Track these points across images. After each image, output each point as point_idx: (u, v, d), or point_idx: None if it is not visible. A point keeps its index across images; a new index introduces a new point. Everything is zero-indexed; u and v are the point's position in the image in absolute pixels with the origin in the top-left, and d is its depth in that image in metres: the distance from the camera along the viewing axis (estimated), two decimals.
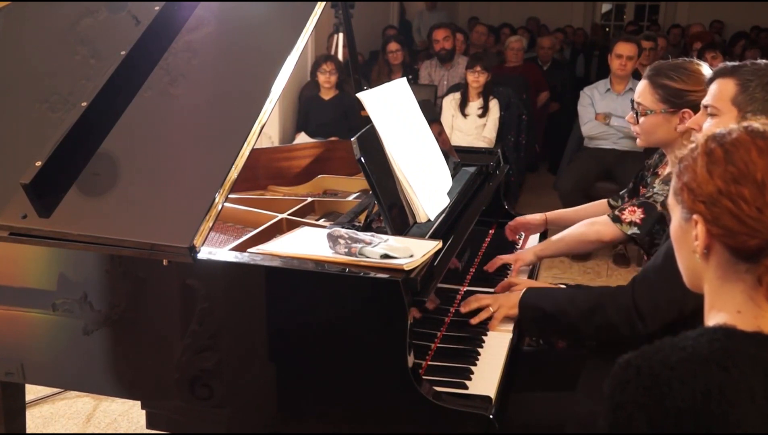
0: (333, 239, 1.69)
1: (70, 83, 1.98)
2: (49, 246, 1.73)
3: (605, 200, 2.57)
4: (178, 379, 1.70)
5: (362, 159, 1.85)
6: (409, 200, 1.97)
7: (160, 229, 1.67)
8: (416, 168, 2.04)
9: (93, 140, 1.85)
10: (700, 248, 1.10)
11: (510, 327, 1.98)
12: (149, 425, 1.81)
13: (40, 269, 1.82)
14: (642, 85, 2.20)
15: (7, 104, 2.07)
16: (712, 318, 1.11)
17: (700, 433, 0.97)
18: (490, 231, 2.64)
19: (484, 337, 1.94)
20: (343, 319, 1.62)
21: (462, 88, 5.32)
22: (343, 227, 1.82)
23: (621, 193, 2.51)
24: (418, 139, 2.17)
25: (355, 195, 2.57)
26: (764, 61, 1.78)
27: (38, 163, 1.75)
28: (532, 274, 2.45)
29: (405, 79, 2.31)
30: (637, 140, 2.25)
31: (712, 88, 1.80)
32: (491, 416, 1.56)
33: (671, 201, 1.16)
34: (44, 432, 2.87)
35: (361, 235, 1.72)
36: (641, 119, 2.18)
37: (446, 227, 2.01)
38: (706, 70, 2.13)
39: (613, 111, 4.89)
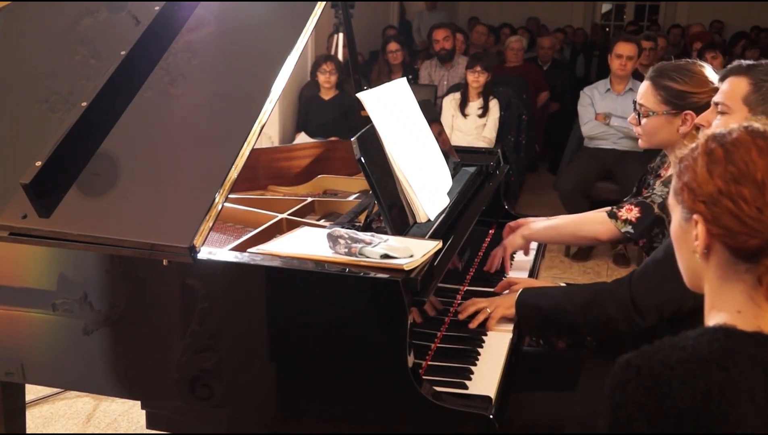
0: (333, 239, 1.69)
1: (70, 83, 1.98)
2: (49, 246, 1.73)
3: (609, 208, 2.55)
4: (178, 379, 1.70)
5: (362, 159, 1.85)
6: (409, 200, 1.97)
7: (160, 229, 1.67)
8: (416, 168, 2.04)
9: (93, 140, 1.85)
10: (700, 248, 1.10)
11: (510, 327, 1.98)
12: (149, 425, 1.81)
13: (40, 269, 1.82)
14: (644, 86, 2.19)
15: (7, 104, 2.07)
16: (712, 318, 1.11)
17: (700, 433, 0.97)
18: (490, 231, 2.64)
19: (484, 337, 1.94)
20: (343, 319, 1.62)
21: (462, 88, 5.32)
22: (343, 227, 1.82)
23: (624, 199, 2.48)
24: (418, 139, 2.17)
25: (355, 195, 2.57)
26: None
27: (38, 163, 1.75)
28: (532, 274, 2.45)
29: (405, 79, 2.31)
30: (639, 141, 2.24)
31: (724, 86, 1.79)
32: (491, 416, 1.56)
33: (671, 201, 1.16)
34: (44, 432, 2.87)
35: (361, 235, 1.72)
36: (643, 120, 2.17)
37: (446, 227, 2.01)
38: (709, 71, 2.12)
39: (613, 111, 4.89)
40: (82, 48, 2.07)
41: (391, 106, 2.09)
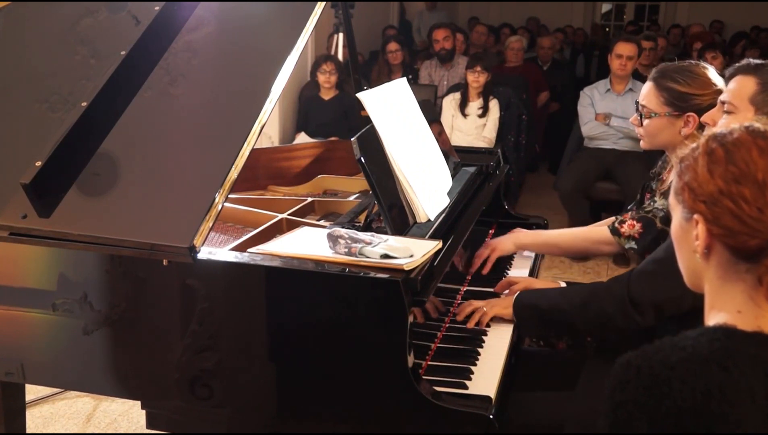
0: (333, 239, 1.69)
1: (70, 83, 1.98)
2: (49, 246, 1.73)
3: (614, 218, 2.54)
4: (178, 379, 1.70)
5: (362, 159, 1.85)
6: (409, 200, 1.97)
7: (160, 229, 1.67)
8: (416, 168, 2.04)
9: (93, 140, 1.85)
10: (700, 248, 1.10)
11: (510, 327, 1.98)
12: (149, 425, 1.81)
13: (40, 269, 1.82)
14: (647, 87, 2.18)
15: (7, 104, 2.07)
16: (713, 318, 1.11)
17: (700, 433, 0.97)
18: (490, 231, 2.64)
19: (484, 337, 1.94)
20: (343, 319, 1.61)
21: (462, 88, 5.32)
22: (343, 227, 1.82)
23: (629, 207, 2.47)
24: (418, 139, 2.17)
25: (355, 195, 2.57)
26: None
27: (38, 163, 1.75)
28: (532, 273, 2.44)
29: (405, 79, 2.31)
30: (641, 142, 2.23)
31: (731, 85, 1.78)
32: (491, 416, 1.56)
33: (672, 200, 1.16)
34: (44, 432, 2.87)
35: (361, 235, 1.72)
36: (645, 121, 2.16)
37: (446, 227, 2.01)
38: (712, 73, 2.12)
39: (613, 111, 4.89)
40: (82, 48, 2.07)
41: (391, 106, 2.09)
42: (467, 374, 1.76)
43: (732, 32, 9.32)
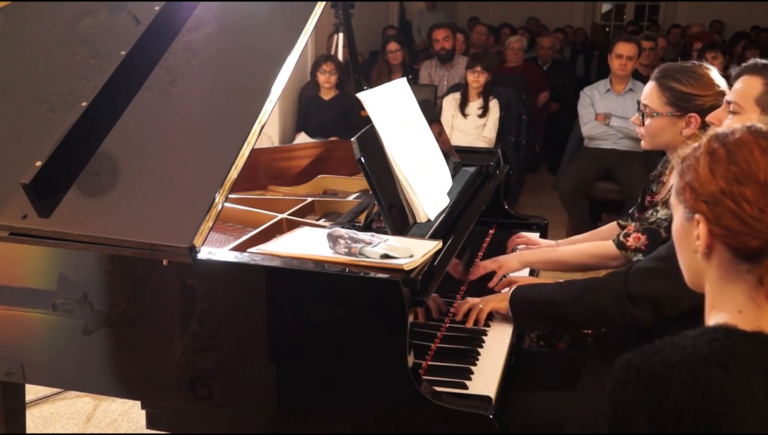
0: (333, 239, 1.69)
1: (70, 83, 1.98)
2: (49, 246, 1.73)
3: (614, 223, 2.53)
4: (178, 379, 1.70)
5: (362, 159, 1.85)
6: (409, 200, 1.97)
7: (160, 229, 1.67)
8: (416, 168, 2.04)
9: (93, 140, 1.85)
10: (701, 248, 1.09)
11: (510, 327, 1.98)
12: (149, 425, 1.81)
13: (40, 269, 1.82)
14: (649, 86, 2.17)
15: (7, 104, 2.07)
16: (713, 318, 1.11)
17: (700, 433, 0.97)
18: (490, 231, 2.64)
19: (484, 337, 1.94)
20: (343, 319, 1.61)
21: (462, 88, 5.32)
22: (343, 227, 1.82)
23: (630, 211, 2.46)
24: (418, 139, 2.16)
25: (355, 195, 2.57)
26: None
27: (38, 163, 1.75)
28: (533, 273, 2.44)
29: (405, 79, 2.31)
30: (642, 142, 2.22)
31: (738, 85, 1.77)
32: (491, 416, 1.56)
33: (674, 200, 1.16)
34: (44, 432, 2.87)
35: (361, 235, 1.71)
36: (647, 121, 2.15)
37: (446, 227, 2.01)
38: (714, 74, 2.11)
39: (613, 111, 4.89)
40: (82, 48, 2.07)
41: (391, 106, 2.09)
42: (467, 374, 1.76)
43: (732, 32, 9.31)
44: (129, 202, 1.77)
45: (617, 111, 4.87)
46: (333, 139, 4.31)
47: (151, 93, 1.94)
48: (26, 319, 1.85)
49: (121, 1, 2.13)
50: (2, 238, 1.76)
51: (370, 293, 1.60)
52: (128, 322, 1.75)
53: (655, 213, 2.12)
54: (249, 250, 1.76)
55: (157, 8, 2.07)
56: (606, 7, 12.61)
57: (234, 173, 1.72)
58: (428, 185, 2.07)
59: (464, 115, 5.25)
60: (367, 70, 6.50)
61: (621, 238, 2.15)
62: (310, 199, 2.44)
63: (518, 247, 2.53)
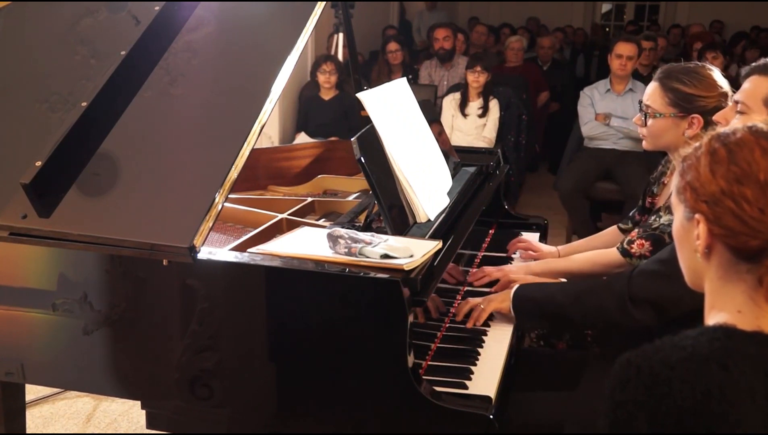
0: (333, 239, 1.69)
1: (70, 83, 1.98)
2: (49, 246, 1.73)
3: (615, 227, 2.52)
4: (178, 379, 1.70)
5: (362, 159, 1.85)
6: (409, 200, 1.97)
7: (160, 229, 1.67)
8: (416, 168, 2.04)
9: (93, 140, 1.85)
10: (701, 248, 1.09)
11: (510, 327, 1.98)
12: (149, 425, 1.81)
13: (40, 269, 1.82)
14: (652, 87, 2.16)
15: (7, 104, 2.07)
16: (713, 317, 1.11)
17: (700, 433, 0.97)
18: (490, 231, 2.64)
19: (484, 337, 1.94)
20: (343, 319, 1.61)
21: (462, 88, 5.32)
22: (343, 227, 1.82)
23: (630, 214, 2.45)
24: (418, 139, 2.16)
25: (355, 195, 2.57)
26: None
27: (38, 163, 1.75)
28: None
29: (405, 79, 2.31)
30: (643, 143, 2.21)
31: (746, 85, 1.76)
32: (491, 416, 1.56)
33: (674, 199, 1.16)
34: (44, 432, 2.87)
35: (361, 235, 1.71)
36: (649, 121, 2.14)
37: (446, 227, 2.01)
38: (717, 75, 2.11)
39: (613, 111, 4.88)
40: (82, 48, 2.07)
41: (391, 106, 2.09)
42: (467, 374, 1.76)
43: (732, 32, 9.31)
44: (129, 202, 1.77)
45: (617, 111, 4.87)
46: (333, 139, 4.31)
47: (151, 93, 1.94)
48: (26, 319, 1.85)
49: (121, 1, 2.13)
50: (2, 238, 1.76)
51: (370, 293, 1.60)
52: (128, 322, 1.75)
53: (658, 218, 2.11)
54: (249, 250, 1.76)
55: (157, 8, 2.07)
56: (606, 7, 12.61)
57: (234, 173, 1.72)
58: (428, 185, 2.07)
59: (464, 115, 5.25)
60: (367, 70, 6.50)
61: (625, 246, 2.14)
62: (310, 199, 2.44)
63: (519, 251, 2.52)
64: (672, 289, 1.64)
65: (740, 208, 1.04)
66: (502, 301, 1.98)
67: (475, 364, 1.81)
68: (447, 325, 1.99)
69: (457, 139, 5.12)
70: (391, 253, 1.64)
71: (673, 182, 1.17)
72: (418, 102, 2.28)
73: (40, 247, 1.75)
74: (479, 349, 1.88)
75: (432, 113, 2.45)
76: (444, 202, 2.12)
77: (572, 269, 2.27)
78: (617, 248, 2.17)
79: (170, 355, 1.70)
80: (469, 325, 1.97)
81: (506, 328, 1.98)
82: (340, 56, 5.13)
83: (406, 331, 1.56)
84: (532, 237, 2.68)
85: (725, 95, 2.08)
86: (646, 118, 2.15)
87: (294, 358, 1.66)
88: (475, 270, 2.30)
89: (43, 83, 2.04)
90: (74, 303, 1.76)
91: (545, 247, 2.49)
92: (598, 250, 2.31)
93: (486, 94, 5.22)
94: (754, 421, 0.97)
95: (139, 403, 1.82)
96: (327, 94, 5.24)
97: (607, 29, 12.21)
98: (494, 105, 5.24)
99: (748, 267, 1.07)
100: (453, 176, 2.30)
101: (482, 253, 2.48)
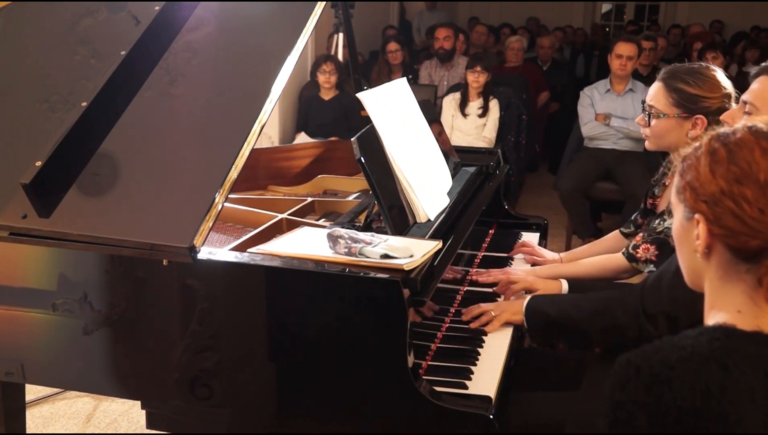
0: (333, 239, 1.69)
1: (70, 83, 1.98)
2: (49, 246, 1.73)
3: (617, 232, 2.52)
4: (178, 379, 1.70)
5: (362, 159, 1.85)
6: (409, 200, 1.97)
7: (160, 229, 1.67)
8: (416, 168, 2.04)
9: (93, 140, 1.85)
10: (701, 248, 1.09)
11: (510, 327, 1.98)
12: (149, 425, 1.81)
13: (40, 269, 1.82)
14: (655, 87, 2.16)
15: (7, 104, 2.07)
16: (712, 317, 1.11)
17: (699, 432, 0.97)
18: (490, 231, 2.64)
19: (484, 337, 1.93)
20: (343, 319, 1.61)
21: (462, 88, 5.32)
22: (343, 227, 1.82)
23: (632, 217, 2.44)
24: (418, 139, 2.16)
25: (355, 195, 2.57)
26: None
27: (38, 163, 1.75)
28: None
29: (405, 79, 2.31)
30: (646, 143, 2.21)
31: (755, 85, 1.76)
32: (491, 416, 1.56)
33: (674, 199, 1.16)
34: (44, 432, 2.87)
35: (361, 235, 1.71)
36: (653, 122, 2.14)
37: (446, 227, 2.01)
38: (721, 76, 2.11)
39: (613, 111, 4.89)
40: (82, 48, 2.07)
41: (391, 106, 2.09)
42: (467, 374, 1.76)
43: (732, 32, 9.32)
44: (129, 202, 1.77)
45: (617, 111, 4.87)
46: (333, 139, 4.31)
47: (151, 93, 1.94)
48: (26, 319, 1.85)
49: (121, 1, 2.13)
50: (2, 238, 1.76)
51: (370, 293, 1.60)
52: (128, 322, 1.75)
53: (662, 222, 2.10)
54: (249, 250, 1.76)
55: (157, 8, 2.07)
56: (606, 7, 12.61)
57: (234, 173, 1.72)
58: (428, 185, 2.07)
59: (464, 115, 5.26)
60: (367, 70, 6.50)
61: (630, 250, 2.14)
62: (310, 199, 2.44)
63: (521, 256, 2.51)
64: (684, 299, 1.62)
65: (740, 208, 1.04)
66: (515, 313, 1.95)
67: (475, 364, 1.81)
68: (447, 325, 1.99)
69: (457, 139, 5.12)
70: (391, 253, 1.64)
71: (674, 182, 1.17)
72: (418, 102, 2.28)
73: (40, 247, 1.75)
74: (479, 349, 1.88)
75: (432, 113, 2.45)
76: (444, 202, 2.12)
77: (579, 274, 2.26)
78: (623, 253, 2.16)
79: (170, 355, 1.70)
80: (474, 325, 1.96)
81: (506, 328, 1.97)
82: (340, 56, 5.13)
83: (406, 331, 1.56)
84: (532, 237, 2.68)
85: (729, 96, 2.08)
86: (649, 118, 2.15)
87: (294, 358, 1.66)
88: (475, 270, 2.29)
89: (43, 83, 2.04)
90: (74, 303, 1.76)
91: (548, 254, 2.48)
92: (604, 256, 2.30)
93: (486, 94, 5.22)
94: (754, 420, 0.97)
95: (139, 403, 1.82)
96: (327, 94, 5.24)
97: (607, 29, 12.21)
98: (494, 105, 5.24)
99: (748, 267, 1.07)
100: (453, 176, 2.30)
101: (482, 253, 2.48)
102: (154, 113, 1.94)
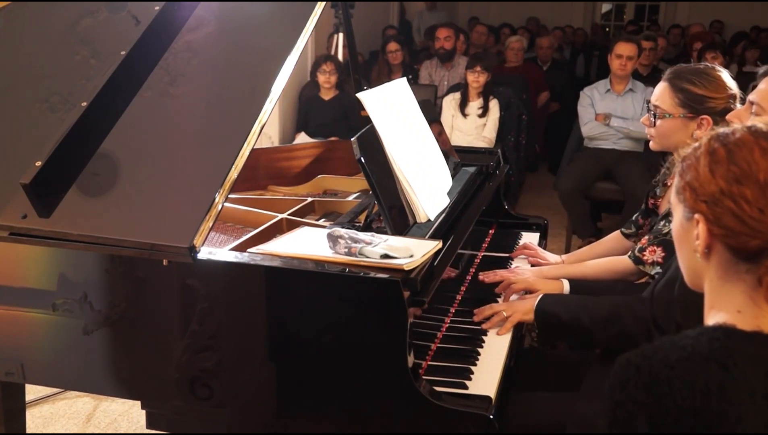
0: (333, 239, 1.69)
1: (70, 83, 1.98)
2: (49, 246, 1.73)
3: (618, 233, 2.50)
4: (178, 379, 1.70)
5: (362, 159, 1.85)
6: (409, 200, 1.97)
7: (160, 229, 1.67)
8: (416, 168, 2.04)
9: (93, 140, 1.85)
10: (701, 248, 1.09)
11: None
12: (149, 425, 1.81)
13: (40, 269, 1.82)
14: (661, 87, 2.16)
15: (7, 104, 2.07)
16: (712, 317, 1.11)
17: (699, 432, 0.97)
18: (490, 231, 2.64)
19: (484, 337, 1.94)
20: (343, 319, 1.61)
21: (462, 88, 5.32)
22: (343, 227, 1.82)
23: (633, 218, 2.44)
24: (418, 139, 2.16)
25: (355, 195, 2.57)
26: None
27: (38, 163, 1.75)
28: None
29: (405, 79, 2.31)
30: (651, 143, 2.20)
31: (762, 86, 1.75)
32: (491, 416, 1.56)
33: (674, 199, 1.16)
34: (44, 432, 2.87)
35: (361, 235, 1.71)
36: (658, 122, 2.13)
37: (446, 227, 2.01)
38: (726, 77, 2.11)
39: (613, 111, 4.89)
40: (82, 48, 2.07)
41: (391, 106, 2.09)
42: (467, 374, 1.76)
43: (732, 32, 9.32)
44: (129, 202, 1.77)
45: (617, 111, 4.87)
46: (333, 139, 4.31)
47: (151, 93, 1.94)
48: (26, 319, 1.85)
49: (121, 1, 2.13)
50: (2, 238, 1.76)
51: (370, 293, 1.60)
52: (128, 322, 1.75)
53: (667, 223, 2.10)
54: (249, 250, 1.76)
55: (157, 8, 2.07)
56: (606, 7, 12.61)
57: (234, 173, 1.72)
58: (428, 185, 2.07)
59: (464, 115, 5.26)
60: (367, 70, 6.50)
61: (636, 253, 2.13)
62: (310, 199, 2.44)
63: (522, 257, 2.51)
64: (697, 312, 1.61)
65: (740, 208, 1.04)
66: (526, 313, 1.95)
67: (475, 364, 1.81)
68: (447, 325, 1.99)
69: (457, 139, 5.12)
70: (391, 253, 1.64)
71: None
72: (418, 102, 2.28)
73: (40, 247, 1.75)
74: (479, 349, 1.88)
75: (432, 113, 2.45)
76: (444, 202, 2.12)
77: (585, 276, 2.26)
78: (629, 256, 2.16)
79: (170, 355, 1.70)
80: (487, 326, 1.96)
81: None
82: (340, 56, 5.14)
83: (406, 331, 1.56)
84: (532, 237, 2.69)
85: (734, 97, 2.08)
86: (655, 118, 2.15)
87: (294, 358, 1.66)
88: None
89: (43, 83, 2.04)
90: (74, 303, 1.76)
91: (551, 256, 2.48)
92: (610, 258, 2.30)
93: (486, 94, 5.22)
94: (753, 420, 0.97)
95: (139, 403, 1.82)
96: (327, 94, 5.24)
97: (607, 29, 12.21)
98: (494, 105, 5.24)
99: (748, 267, 1.07)
100: (453, 176, 2.30)
101: (482, 253, 2.48)
102: (154, 113, 1.94)
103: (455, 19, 9.35)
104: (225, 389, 1.69)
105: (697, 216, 1.09)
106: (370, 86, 2.25)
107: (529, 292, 2.12)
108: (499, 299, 2.15)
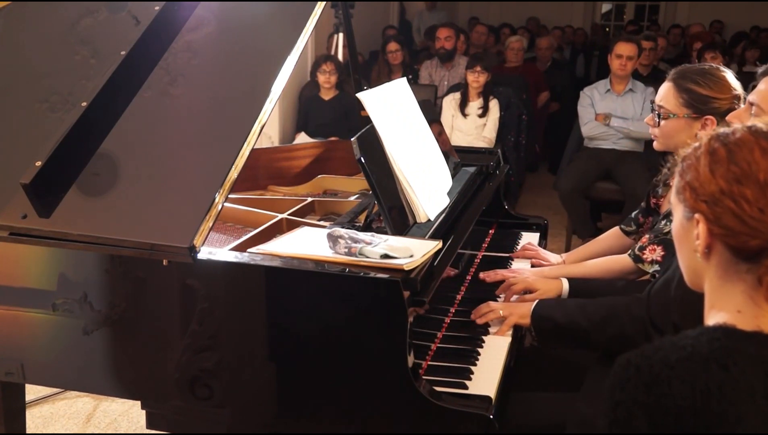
0: (333, 239, 1.69)
1: (70, 83, 1.98)
2: (49, 246, 1.73)
3: (617, 229, 2.50)
4: (178, 379, 1.70)
5: (362, 159, 1.85)
6: (409, 200, 1.97)
7: (160, 229, 1.67)
8: (416, 168, 2.04)
9: (93, 140, 1.85)
10: (701, 247, 1.09)
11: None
12: (149, 425, 1.81)
13: (40, 269, 1.82)
14: (665, 88, 2.16)
15: (7, 104, 2.07)
16: (712, 317, 1.11)
17: (699, 432, 0.97)
18: (490, 231, 2.64)
19: (484, 337, 1.93)
20: (343, 319, 1.61)
21: (462, 88, 5.32)
22: (343, 227, 1.82)
23: (632, 215, 2.44)
24: (418, 139, 2.16)
25: (355, 195, 2.57)
26: None
27: (38, 163, 1.75)
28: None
29: (405, 79, 2.31)
30: (654, 143, 2.21)
31: (762, 86, 1.75)
32: (491, 416, 1.56)
33: (674, 199, 1.16)
34: (44, 432, 2.87)
35: (361, 235, 1.71)
36: (662, 122, 2.14)
37: (446, 227, 2.01)
38: (730, 77, 2.11)
39: (613, 111, 4.89)
40: (82, 48, 2.07)
41: (391, 106, 2.09)
42: (467, 374, 1.76)
43: (732, 32, 9.32)
44: (129, 202, 1.77)
45: (617, 111, 4.87)
46: (333, 139, 4.31)
47: (151, 93, 1.94)
48: (26, 319, 1.85)
49: (121, 1, 2.13)
50: (2, 238, 1.76)
51: (370, 293, 1.60)
52: (128, 322, 1.75)
53: (668, 223, 2.10)
54: (249, 250, 1.76)
55: (157, 8, 2.07)
56: (606, 7, 12.61)
57: (234, 173, 1.72)
58: (428, 185, 2.07)
59: (464, 115, 5.26)
60: (367, 70, 6.50)
61: (636, 252, 2.13)
62: (310, 199, 2.44)
63: (524, 259, 2.50)
64: (694, 312, 1.62)
65: (740, 208, 1.04)
66: (523, 316, 1.95)
67: (475, 364, 1.81)
68: (447, 325, 1.99)
69: (457, 139, 5.13)
70: (391, 253, 1.64)
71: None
72: (418, 102, 2.28)
73: (40, 247, 1.75)
74: (479, 349, 1.88)
75: (432, 113, 2.46)
76: (444, 202, 2.12)
77: (585, 275, 2.26)
78: (629, 255, 2.16)
79: (170, 355, 1.70)
80: (480, 321, 1.96)
81: None
82: (340, 56, 5.14)
83: (406, 331, 1.56)
84: (532, 237, 2.69)
85: (739, 97, 2.08)
86: (659, 118, 2.15)
87: (294, 358, 1.66)
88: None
89: (43, 83, 2.04)
90: (74, 303, 1.76)
91: (552, 257, 2.48)
92: (609, 257, 2.31)
93: (486, 94, 5.22)
94: (753, 420, 0.97)
95: (139, 403, 1.82)
96: (327, 94, 5.24)
97: (607, 29, 12.21)
98: (494, 105, 5.24)
99: (748, 267, 1.07)
100: (453, 176, 2.30)
101: (482, 253, 2.48)
102: (154, 113, 1.94)
103: (455, 19, 9.35)
104: (225, 389, 1.69)
105: (697, 216, 1.09)
106: (370, 86, 2.25)
107: (529, 292, 2.12)
108: (499, 300, 2.15)
